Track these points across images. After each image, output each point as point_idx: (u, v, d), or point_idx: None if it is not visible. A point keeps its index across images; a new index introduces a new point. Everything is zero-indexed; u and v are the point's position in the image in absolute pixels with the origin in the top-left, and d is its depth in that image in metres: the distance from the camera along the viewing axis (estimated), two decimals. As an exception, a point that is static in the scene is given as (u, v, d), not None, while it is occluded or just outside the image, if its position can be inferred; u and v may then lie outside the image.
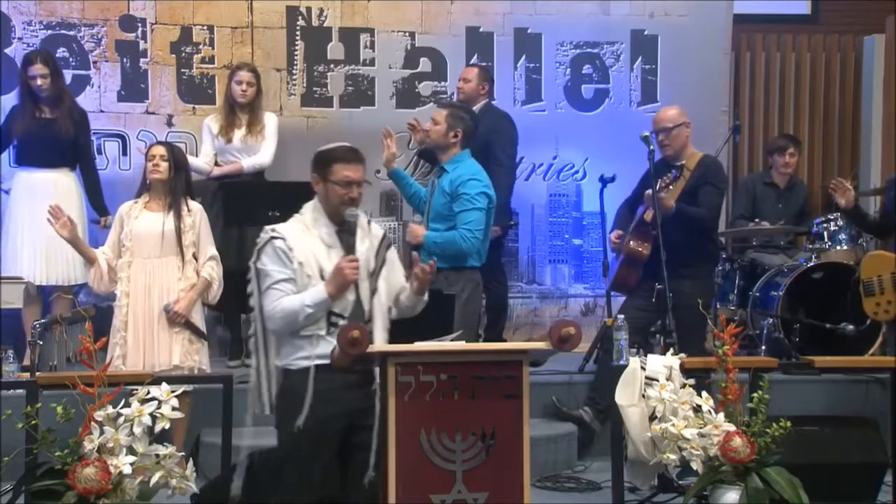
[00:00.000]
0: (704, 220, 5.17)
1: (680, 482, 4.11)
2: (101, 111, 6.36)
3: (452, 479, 3.27)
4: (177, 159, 4.77)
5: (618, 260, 5.36)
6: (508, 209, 6.08)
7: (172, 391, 3.50)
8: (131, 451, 3.39)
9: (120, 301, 4.67)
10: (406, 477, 3.24)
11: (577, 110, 6.91)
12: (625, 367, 3.87)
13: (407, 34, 6.69)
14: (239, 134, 5.90)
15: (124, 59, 6.41)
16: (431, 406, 3.27)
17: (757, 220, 6.40)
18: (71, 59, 6.31)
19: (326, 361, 3.46)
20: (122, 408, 3.43)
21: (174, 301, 4.64)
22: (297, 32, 6.60)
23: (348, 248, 3.62)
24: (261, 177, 5.99)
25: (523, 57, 6.84)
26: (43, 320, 4.76)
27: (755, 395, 3.75)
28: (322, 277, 3.58)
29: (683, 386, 3.77)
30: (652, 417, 3.76)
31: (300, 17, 6.60)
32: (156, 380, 3.63)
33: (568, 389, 5.45)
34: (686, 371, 3.84)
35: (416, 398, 3.27)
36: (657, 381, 3.77)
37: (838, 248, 6.25)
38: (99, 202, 5.75)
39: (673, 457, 3.68)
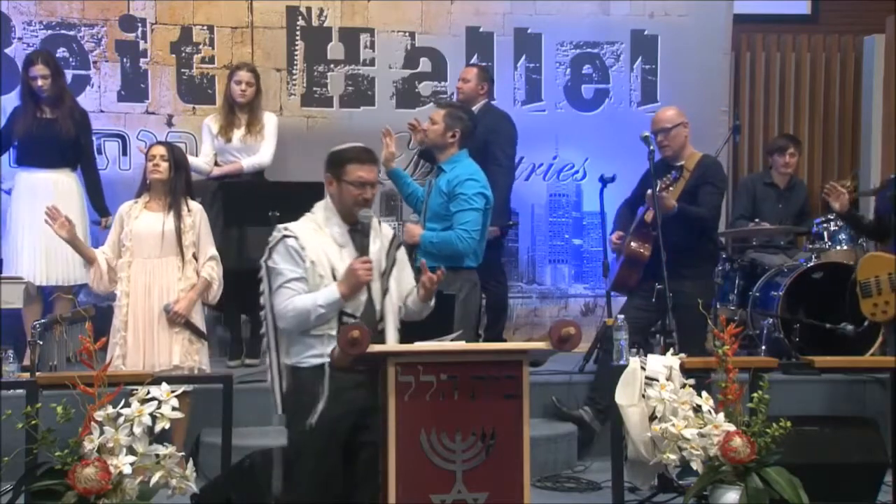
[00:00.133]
0: (705, 220, 5.17)
1: (680, 482, 4.11)
2: (101, 111, 6.36)
3: (452, 479, 3.27)
4: (177, 159, 4.77)
5: (618, 261, 5.36)
6: (508, 209, 6.08)
7: (172, 391, 3.50)
8: (131, 451, 3.38)
9: (120, 301, 4.67)
10: (406, 477, 3.24)
11: (577, 110, 6.91)
12: (625, 367, 3.87)
13: (407, 34, 6.69)
14: (238, 134, 5.90)
15: (124, 59, 6.42)
16: (431, 406, 3.28)
17: (757, 220, 6.40)
18: (71, 59, 6.32)
19: None
20: (122, 408, 3.43)
21: (174, 301, 4.64)
22: (297, 32, 6.60)
23: (361, 248, 3.61)
24: (261, 177, 5.99)
25: (523, 57, 6.84)
26: (43, 320, 4.76)
27: (755, 395, 3.74)
28: (334, 277, 3.57)
29: (683, 386, 3.76)
30: (652, 417, 3.75)
31: (300, 17, 6.61)
32: (156, 380, 3.62)
33: (568, 389, 5.45)
34: (686, 371, 3.84)
35: (416, 398, 3.27)
36: (657, 381, 3.76)
37: (838, 248, 6.26)
38: (100, 203, 5.76)
39: (673, 457, 3.68)
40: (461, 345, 3.49)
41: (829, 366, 4.61)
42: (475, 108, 5.81)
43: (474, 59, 6.64)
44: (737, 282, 6.38)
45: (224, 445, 3.97)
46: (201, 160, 5.91)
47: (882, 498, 4.21)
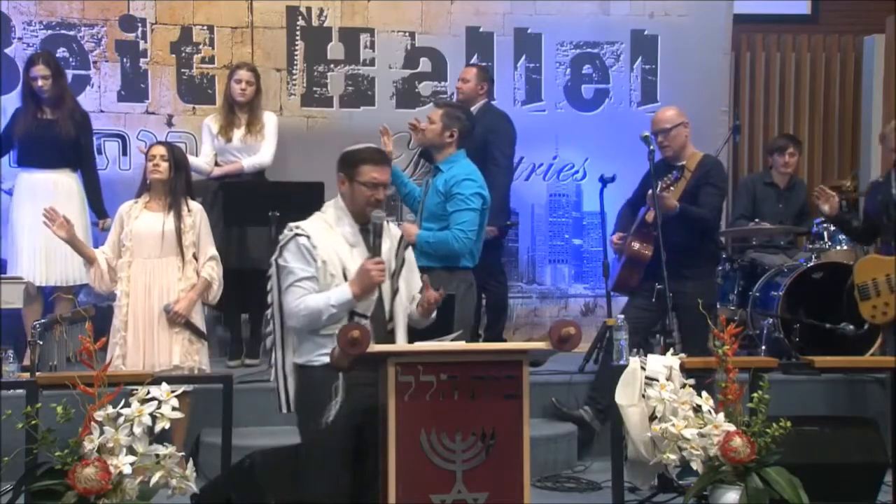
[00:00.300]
0: (706, 221, 5.17)
1: (680, 482, 4.11)
2: (101, 111, 6.36)
3: (452, 479, 3.27)
4: (177, 159, 4.77)
5: (619, 261, 5.35)
6: (507, 209, 6.08)
7: (172, 391, 3.50)
8: (131, 451, 3.38)
9: (120, 301, 4.67)
10: (406, 477, 3.24)
11: (577, 110, 6.91)
12: (625, 367, 3.87)
13: (407, 34, 6.69)
14: (239, 134, 5.90)
15: (124, 59, 6.42)
16: (431, 406, 3.27)
17: (757, 220, 6.39)
18: (71, 59, 6.32)
19: None
20: (122, 408, 3.42)
21: (174, 301, 4.64)
22: (297, 32, 6.60)
23: (374, 248, 3.61)
24: (261, 176, 5.99)
25: (523, 57, 6.84)
26: (43, 320, 4.76)
27: (755, 395, 3.74)
28: (345, 277, 3.56)
29: (683, 386, 3.76)
30: (652, 417, 3.75)
31: (300, 17, 6.61)
32: (156, 380, 3.62)
33: (568, 389, 5.45)
34: (686, 371, 3.84)
35: (416, 398, 3.27)
36: (657, 381, 3.76)
37: (838, 248, 6.26)
38: (98, 205, 5.75)
39: (673, 457, 3.68)
40: (461, 345, 3.49)
41: (829, 366, 4.60)
42: (474, 108, 5.81)
43: (474, 59, 6.64)
44: (737, 282, 6.39)
45: (224, 445, 3.98)
46: (202, 160, 5.91)
47: (882, 498, 4.21)
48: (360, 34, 6.65)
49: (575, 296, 6.95)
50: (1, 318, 5.30)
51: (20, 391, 3.78)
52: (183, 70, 6.48)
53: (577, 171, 6.91)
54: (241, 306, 5.92)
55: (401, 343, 3.57)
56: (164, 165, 4.71)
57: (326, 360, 3.52)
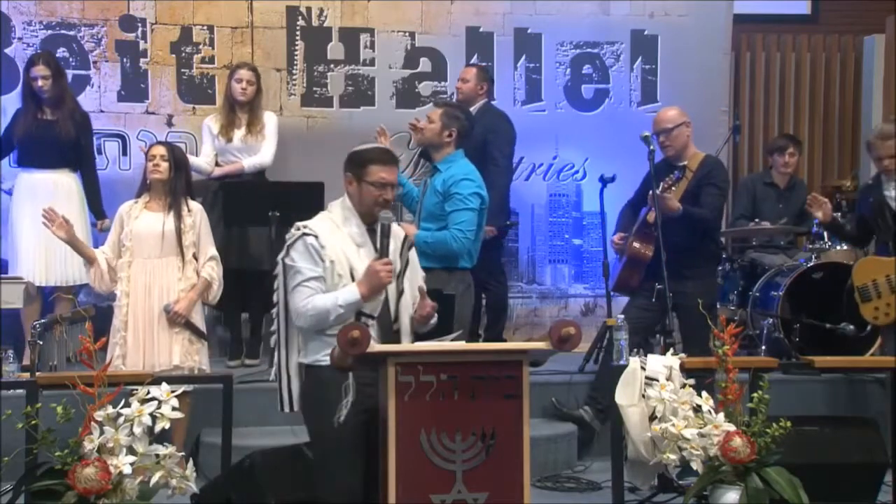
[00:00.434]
0: (707, 222, 5.17)
1: (680, 482, 4.11)
2: (101, 111, 6.36)
3: (452, 479, 3.27)
4: (177, 159, 4.77)
5: (620, 261, 5.35)
6: (507, 209, 6.08)
7: (172, 391, 3.49)
8: (131, 451, 3.38)
9: (120, 301, 4.67)
10: (406, 477, 3.24)
11: (577, 110, 6.91)
12: (625, 367, 3.87)
13: (407, 34, 6.69)
14: (239, 134, 5.90)
15: (124, 59, 6.42)
16: (431, 406, 3.27)
17: (757, 220, 6.39)
18: (71, 59, 6.32)
19: None
20: (122, 408, 3.42)
21: (174, 301, 4.64)
22: (297, 32, 6.60)
23: (382, 249, 3.59)
24: (262, 176, 5.99)
25: (523, 57, 6.84)
26: (43, 320, 4.76)
27: (755, 395, 3.74)
28: (352, 277, 3.55)
29: (683, 386, 3.76)
30: (652, 417, 3.75)
31: (300, 17, 6.61)
32: (156, 380, 3.62)
33: (568, 389, 5.45)
34: (686, 371, 3.84)
35: (416, 398, 3.26)
36: (657, 381, 3.76)
37: (838, 247, 6.25)
38: (97, 205, 5.75)
39: (673, 457, 3.68)
40: (461, 345, 3.48)
41: (829, 366, 4.61)
42: (474, 108, 5.81)
43: (474, 59, 6.64)
44: (737, 282, 6.39)
45: (224, 445, 3.98)
46: (202, 160, 5.90)
47: (882, 498, 4.21)
48: (360, 34, 6.65)
49: (575, 296, 6.95)
50: (1, 318, 5.30)
51: (20, 391, 3.78)
52: (183, 70, 6.48)
53: (577, 171, 6.91)
54: (241, 306, 5.92)
55: (405, 343, 3.56)
56: (164, 165, 4.71)
57: None
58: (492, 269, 5.85)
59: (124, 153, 6.40)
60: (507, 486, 3.29)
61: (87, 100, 6.25)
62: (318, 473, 3.54)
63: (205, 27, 6.49)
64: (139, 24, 6.42)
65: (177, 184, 4.74)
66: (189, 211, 4.73)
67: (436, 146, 4.92)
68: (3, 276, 5.47)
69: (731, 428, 3.65)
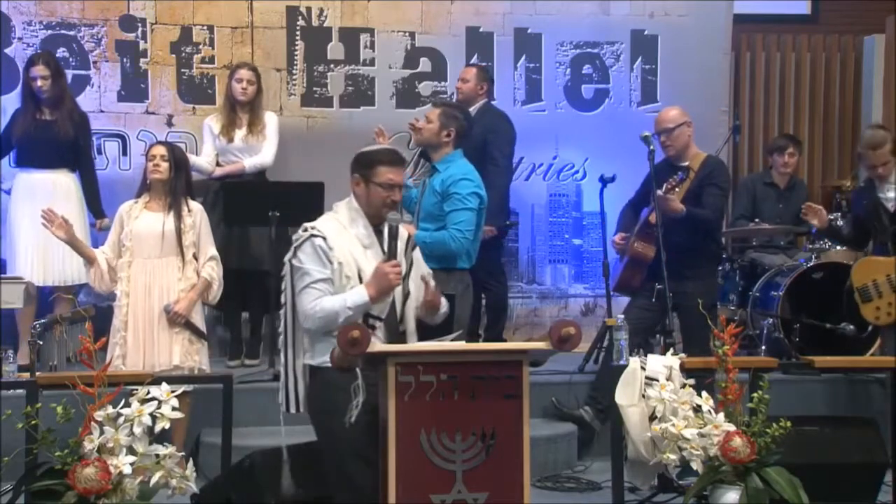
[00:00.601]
0: (710, 222, 5.17)
1: (680, 482, 4.11)
2: (101, 111, 6.36)
3: (452, 479, 3.27)
4: (177, 159, 4.77)
5: (621, 261, 5.35)
6: (506, 209, 6.07)
7: (172, 391, 3.50)
8: (131, 451, 3.38)
9: (120, 301, 4.67)
10: (406, 477, 3.24)
11: (577, 110, 6.91)
12: (625, 367, 3.87)
13: (407, 34, 6.69)
14: (240, 134, 5.90)
15: (124, 59, 6.42)
16: (431, 406, 3.27)
17: (757, 220, 6.40)
18: (71, 59, 6.32)
19: None
20: (122, 408, 3.42)
21: (174, 301, 4.64)
22: (297, 32, 6.60)
23: (389, 250, 3.59)
24: (262, 176, 5.98)
25: (523, 57, 6.84)
26: (43, 320, 4.76)
27: (755, 395, 3.74)
28: (360, 279, 3.54)
29: (683, 386, 3.76)
30: (652, 417, 3.75)
31: (300, 17, 6.61)
32: (156, 380, 3.62)
33: (568, 389, 5.45)
34: (686, 371, 3.84)
35: (416, 398, 3.26)
36: (657, 381, 3.76)
37: (838, 247, 6.26)
38: (96, 205, 5.74)
39: (673, 457, 3.68)
40: (461, 345, 3.48)
41: (829, 366, 4.61)
42: (474, 108, 5.81)
43: (474, 59, 6.64)
44: (737, 282, 6.39)
45: (224, 445, 3.97)
46: (203, 160, 5.90)
47: (882, 498, 4.21)
48: (360, 34, 6.65)
49: (575, 296, 6.95)
50: (1, 318, 5.30)
51: (20, 391, 3.78)
52: (183, 70, 6.48)
53: (577, 171, 6.91)
54: (241, 306, 5.92)
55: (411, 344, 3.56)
56: (165, 165, 4.71)
57: None
58: (492, 269, 5.85)
59: (124, 153, 6.40)
60: (507, 486, 3.30)
61: (87, 100, 6.25)
62: (331, 474, 3.53)
63: (205, 27, 6.49)
64: (139, 24, 6.42)
65: (177, 184, 4.74)
66: (189, 211, 4.73)
67: (434, 146, 4.91)
68: (3, 276, 5.47)
69: (731, 428, 3.65)
